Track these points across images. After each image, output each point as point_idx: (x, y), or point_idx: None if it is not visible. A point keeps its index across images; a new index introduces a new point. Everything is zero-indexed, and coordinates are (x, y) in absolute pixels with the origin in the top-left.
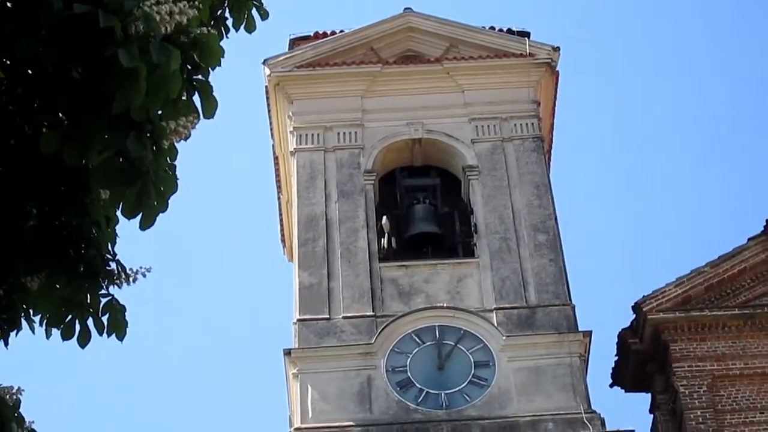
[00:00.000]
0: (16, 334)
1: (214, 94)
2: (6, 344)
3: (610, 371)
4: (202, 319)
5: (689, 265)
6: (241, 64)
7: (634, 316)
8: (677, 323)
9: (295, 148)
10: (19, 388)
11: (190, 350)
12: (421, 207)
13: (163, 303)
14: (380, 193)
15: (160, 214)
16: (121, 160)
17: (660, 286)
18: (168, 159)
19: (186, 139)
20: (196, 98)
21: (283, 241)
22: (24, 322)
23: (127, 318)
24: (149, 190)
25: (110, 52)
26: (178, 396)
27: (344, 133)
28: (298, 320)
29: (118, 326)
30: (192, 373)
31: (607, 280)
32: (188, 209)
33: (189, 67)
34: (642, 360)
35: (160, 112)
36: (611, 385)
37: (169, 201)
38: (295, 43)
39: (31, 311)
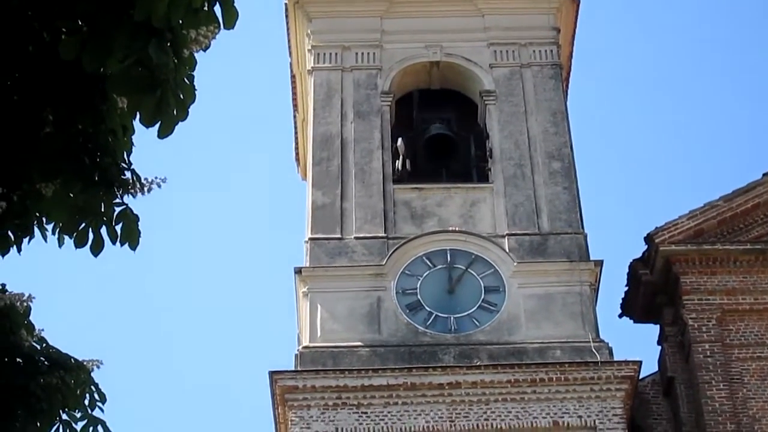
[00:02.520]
0: (29, 241)
1: (235, 5)
2: (19, 251)
3: (620, 301)
4: (214, 233)
5: (703, 198)
6: None
7: (645, 247)
8: (689, 256)
9: (312, 67)
10: (29, 295)
11: (202, 263)
12: (437, 132)
13: (176, 215)
14: (396, 115)
15: (178, 124)
16: (140, 68)
17: (673, 218)
18: (187, 68)
19: (206, 49)
20: (217, 9)
21: (297, 159)
22: (36, 230)
23: (140, 227)
24: (169, 99)
25: None
26: (188, 309)
27: (362, 53)
28: (310, 239)
29: (131, 235)
30: (202, 287)
31: (620, 211)
32: (203, 123)
33: None
34: (652, 291)
35: (180, 20)
36: (620, 315)
37: (189, 109)
38: None
39: (44, 219)
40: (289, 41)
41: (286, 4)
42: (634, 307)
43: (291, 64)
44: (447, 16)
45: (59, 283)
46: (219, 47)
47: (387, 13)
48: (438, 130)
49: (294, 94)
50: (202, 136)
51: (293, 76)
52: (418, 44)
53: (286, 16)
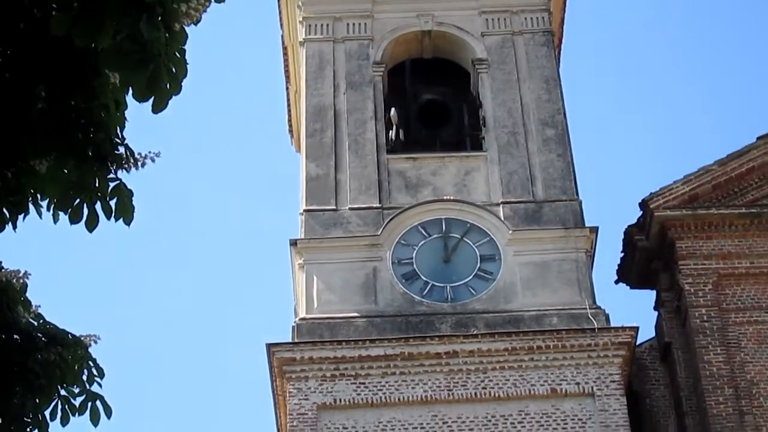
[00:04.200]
0: (24, 218)
1: None
2: (14, 227)
3: (616, 267)
4: (208, 207)
5: (697, 162)
6: None
7: (641, 212)
8: (684, 221)
9: (304, 38)
10: (26, 272)
11: (196, 237)
12: (430, 101)
13: (170, 190)
14: (389, 85)
15: (172, 98)
16: (132, 43)
17: (667, 184)
18: (179, 42)
19: (197, 23)
20: None
21: (291, 131)
22: (31, 206)
23: (134, 203)
24: (161, 73)
25: None
26: (183, 283)
27: (354, 24)
28: (305, 211)
29: (125, 210)
30: (197, 262)
31: (615, 177)
32: (195, 98)
33: None
34: (648, 257)
35: None
36: (616, 282)
37: (182, 83)
38: None
39: (38, 196)
40: (280, 13)
41: None
42: (630, 273)
43: (282, 36)
44: None
45: (55, 259)
46: (210, 21)
47: None
48: (430, 95)
49: (286, 66)
50: (194, 110)
51: (285, 48)
52: (409, 14)
53: None
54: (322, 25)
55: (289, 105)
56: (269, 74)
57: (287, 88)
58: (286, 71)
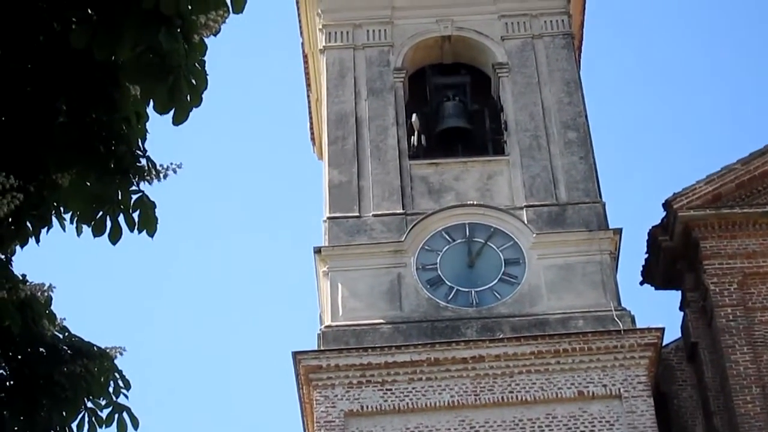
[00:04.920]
0: (47, 231)
1: None
2: (37, 241)
3: (641, 269)
4: (231, 216)
5: (720, 162)
6: None
7: (664, 213)
8: (708, 220)
9: (324, 46)
10: (50, 285)
11: (220, 246)
12: (451, 104)
13: (193, 201)
14: (410, 91)
15: (193, 110)
16: (152, 55)
17: (691, 184)
18: (198, 54)
19: (216, 34)
20: None
21: (312, 139)
22: (55, 220)
23: (157, 214)
24: (182, 86)
25: None
26: (208, 293)
27: (373, 30)
28: (328, 218)
29: (148, 222)
30: (221, 271)
31: (638, 178)
32: (216, 107)
33: None
34: (672, 257)
35: (189, 6)
36: (641, 283)
37: (203, 95)
38: None
39: (61, 209)
40: (299, 21)
41: None
42: (654, 274)
43: (302, 43)
44: None
45: (79, 272)
46: (230, 30)
47: None
48: (453, 121)
49: (307, 73)
50: (216, 120)
51: (305, 56)
52: (429, 19)
53: None
54: (341, 32)
55: (310, 113)
56: (290, 82)
57: (308, 96)
58: (307, 79)
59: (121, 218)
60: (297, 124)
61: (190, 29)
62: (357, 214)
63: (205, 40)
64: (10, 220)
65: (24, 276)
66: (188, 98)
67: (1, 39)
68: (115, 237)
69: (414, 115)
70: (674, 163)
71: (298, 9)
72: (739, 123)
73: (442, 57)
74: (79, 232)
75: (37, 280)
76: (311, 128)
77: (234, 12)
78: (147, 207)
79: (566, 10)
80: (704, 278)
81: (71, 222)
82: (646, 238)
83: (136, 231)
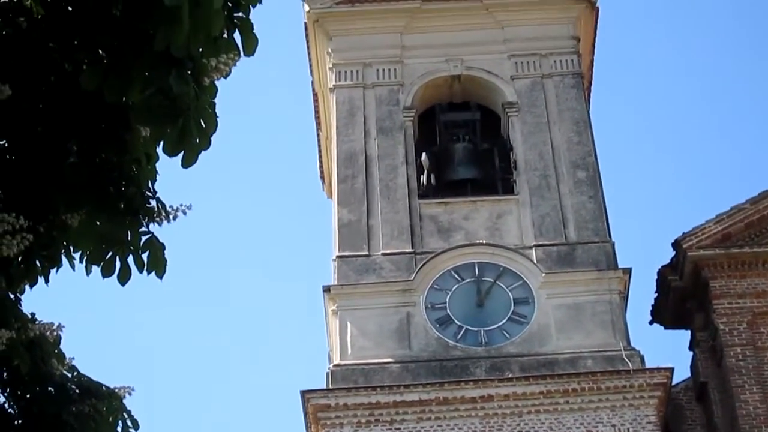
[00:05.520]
0: (57, 271)
1: (254, 31)
2: (47, 281)
3: (650, 308)
4: (240, 255)
5: (729, 201)
6: None
7: (674, 253)
8: (717, 260)
9: (334, 85)
10: (59, 324)
11: (229, 286)
12: (461, 146)
13: (203, 240)
14: (419, 130)
15: (202, 152)
16: (162, 97)
17: (700, 223)
18: (208, 96)
19: (226, 76)
20: (237, 35)
21: (322, 177)
22: (64, 259)
23: (166, 256)
24: (191, 128)
25: None
26: (217, 332)
27: (383, 69)
28: (338, 257)
29: (157, 264)
30: (230, 311)
31: (647, 217)
32: (227, 145)
33: (230, 4)
34: (682, 297)
35: (200, 49)
36: (651, 322)
37: (212, 138)
38: None
39: (71, 248)
40: (310, 60)
41: (305, 22)
42: (664, 314)
43: (312, 82)
44: (467, 30)
45: (88, 311)
46: (241, 68)
47: (407, 28)
48: (463, 170)
49: (317, 112)
50: (226, 158)
51: (315, 94)
52: (438, 58)
53: (306, 35)
54: (351, 71)
55: (320, 151)
56: (300, 121)
57: (318, 135)
58: (317, 118)
59: (130, 259)
60: (307, 162)
61: (200, 72)
62: (366, 252)
63: (216, 82)
64: (20, 259)
65: (33, 315)
66: (197, 141)
67: (14, 79)
68: (124, 278)
69: (423, 154)
70: (683, 203)
71: (308, 48)
72: (749, 163)
73: (452, 96)
74: (88, 271)
75: (46, 319)
76: (321, 167)
77: (245, 55)
78: (156, 248)
79: (576, 50)
80: (714, 318)
81: (81, 261)
82: (656, 277)
83: (145, 272)
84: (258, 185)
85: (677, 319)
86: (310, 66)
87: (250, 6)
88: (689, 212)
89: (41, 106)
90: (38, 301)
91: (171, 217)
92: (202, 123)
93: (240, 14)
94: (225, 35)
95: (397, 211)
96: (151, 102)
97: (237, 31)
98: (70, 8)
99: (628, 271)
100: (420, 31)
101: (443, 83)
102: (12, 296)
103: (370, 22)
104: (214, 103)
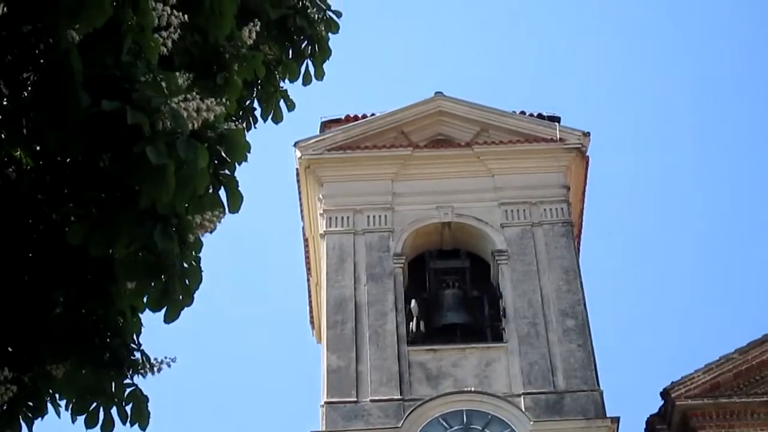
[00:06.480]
0: (42, 418)
1: (239, 189)
2: (30, 431)
3: None
4: (228, 402)
5: (718, 351)
6: (274, 144)
7: (662, 402)
8: (706, 410)
9: (324, 231)
10: None
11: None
12: (450, 293)
13: (189, 390)
14: (409, 276)
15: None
16: (147, 253)
17: (688, 373)
18: (193, 252)
19: (212, 232)
20: (222, 193)
21: (312, 323)
22: (50, 406)
23: (149, 408)
24: (174, 284)
25: (138, 149)
26: None
27: (374, 216)
28: (326, 403)
29: (141, 416)
30: None
31: (636, 366)
32: (215, 289)
33: (215, 161)
34: None
35: (186, 205)
36: None
37: (195, 294)
38: (326, 125)
39: (56, 396)
40: (300, 205)
41: (297, 168)
42: None
43: (303, 228)
44: (458, 177)
45: None
46: (230, 216)
47: (398, 175)
48: (452, 316)
49: (307, 257)
50: (214, 303)
51: (306, 240)
52: (429, 205)
53: (298, 181)
54: (342, 217)
55: (310, 296)
56: (290, 266)
57: (308, 280)
58: (307, 263)
59: (114, 410)
60: (296, 308)
61: (185, 228)
62: (355, 399)
63: (201, 237)
64: (5, 407)
65: None
66: (180, 297)
67: (1, 228)
68: (107, 429)
69: (413, 301)
70: (672, 352)
71: (299, 193)
72: (737, 313)
73: (442, 243)
74: (74, 420)
75: None
76: (310, 312)
77: (230, 212)
78: (140, 400)
79: (566, 199)
80: None
81: (66, 410)
82: (644, 426)
83: (128, 424)
84: (246, 329)
85: None
86: (301, 211)
87: (236, 164)
88: (678, 362)
89: (30, 256)
90: None
91: (155, 369)
92: (186, 280)
93: (225, 171)
94: (211, 191)
95: (386, 357)
96: (136, 257)
97: (222, 188)
98: (59, 158)
99: (616, 420)
100: (411, 178)
101: (433, 230)
102: None
103: (362, 168)
104: (199, 258)
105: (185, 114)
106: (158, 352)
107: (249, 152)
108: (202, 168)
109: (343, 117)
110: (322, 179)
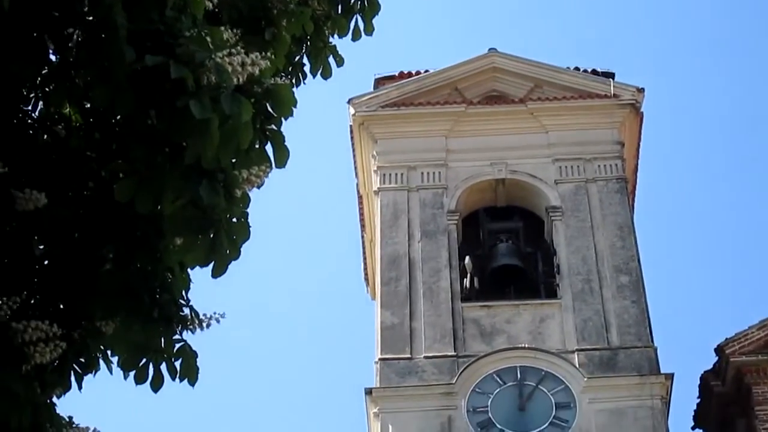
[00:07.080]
0: (94, 374)
1: (285, 143)
2: (80, 387)
3: (692, 414)
4: (280, 356)
5: None
6: (328, 100)
7: (716, 358)
8: (760, 366)
9: (378, 188)
10: (95, 429)
11: (267, 388)
12: (504, 245)
13: (239, 344)
14: (463, 233)
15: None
16: (193, 208)
17: (743, 329)
18: (240, 206)
19: (259, 187)
20: (269, 147)
21: (366, 279)
22: (102, 363)
23: (198, 364)
24: (222, 239)
25: (182, 103)
26: None
27: (428, 172)
28: (380, 359)
29: (190, 372)
30: (268, 413)
31: (690, 322)
32: (268, 247)
33: (262, 116)
34: (724, 403)
35: (233, 160)
36: (693, 428)
37: (242, 248)
38: (379, 82)
39: (108, 353)
40: (354, 162)
41: (351, 125)
42: (706, 419)
43: (357, 184)
44: (511, 134)
45: (123, 415)
46: (284, 170)
47: (451, 132)
48: (506, 259)
49: (361, 214)
50: (268, 259)
51: (360, 197)
52: (483, 162)
53: (352, 137)
54: (396, 174)
55: (364, 253)
56: (345, 222)
57: (362, 237)
58: (362, 220)
59: (163, 366)
60: (350, 264)
61: (231, 183)
62: (409, 355)
63: (248, 192)
64: (55, 363)
65: (70, 418)
66: (227, 251)
67: (51, 186)
68: (156, 385)
69: (467, 258)
70: (726, 308)
71: (353, 150)
72: None
73: (496, 200)
74: (126, 375)
75: (82, 421)
76: (365, 268)
77: (277, 167)
78: (189, 356)
79: (620, 155)
80: (756, 424)
81: (118, 366)
82: (698, 382)
83: (177, 379)
84: (299, 286)
85: (720, 425)
86: (355, 168)
87: (282, 118)
88: (732, 318)
89: (80, 212)
90: (75, 404)
91: (204, 325)
92: (233, 234)
93: (272, 126)
94: (257, 146)
95: (440, 314)
96: (184, 213)
97: (268, 143)
98: (107, 116)
99: (670, 377)
100: (464, 134)
101: (487, 187)
102: (48, 401)
103: (415, 125)
104: (247, 213)
105: (230, 68)
106: (209, 309)
107: (295, 107)
108: (246, 122)
109: (396, 74)
110: (376, 136)
